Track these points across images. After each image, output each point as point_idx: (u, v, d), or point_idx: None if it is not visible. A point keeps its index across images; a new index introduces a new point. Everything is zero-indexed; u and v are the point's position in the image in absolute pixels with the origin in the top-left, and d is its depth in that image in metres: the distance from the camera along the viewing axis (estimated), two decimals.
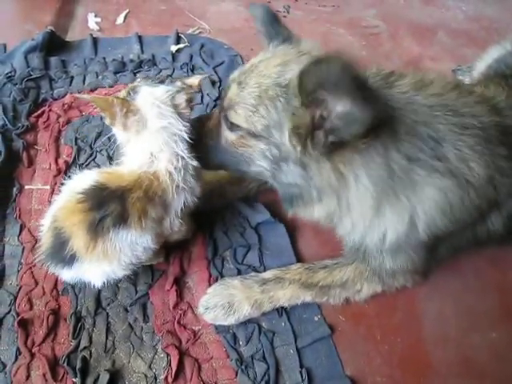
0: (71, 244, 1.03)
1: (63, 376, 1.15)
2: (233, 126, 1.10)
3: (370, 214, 1.11)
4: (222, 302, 1.24)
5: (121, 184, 1.06)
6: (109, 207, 1.03)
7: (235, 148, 1.13)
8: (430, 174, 1.04)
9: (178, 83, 1.15)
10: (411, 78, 1.07)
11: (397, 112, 1.01)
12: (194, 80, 1.19)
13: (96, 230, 1.03)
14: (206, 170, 1.26)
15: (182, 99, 1.13)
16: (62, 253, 1.05)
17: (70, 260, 1.05)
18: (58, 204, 1.09)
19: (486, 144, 1.07)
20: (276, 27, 1.21)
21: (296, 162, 1.05)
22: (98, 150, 1.64)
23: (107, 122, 1.10)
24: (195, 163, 1.15)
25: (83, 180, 1.08)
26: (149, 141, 1.10)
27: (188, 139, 1.12)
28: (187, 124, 1.13)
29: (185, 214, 1.21)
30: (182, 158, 1.12)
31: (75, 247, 1.04)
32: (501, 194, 1.14)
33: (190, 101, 1.15)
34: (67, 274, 1.13)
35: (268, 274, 1.31)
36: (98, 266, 1.09)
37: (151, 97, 1.09)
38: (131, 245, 1.09)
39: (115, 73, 1.92)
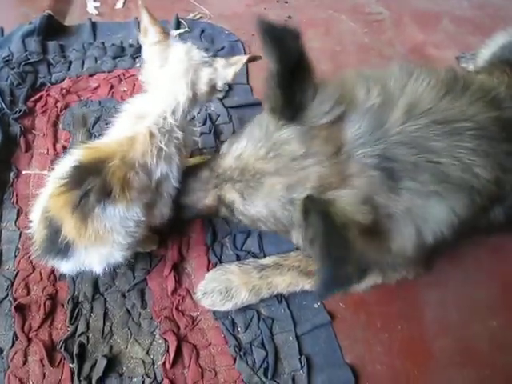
0: (64, 230, 1.00)
1: (60, 361, 1.14)
2: (236, 220, 1.12)
3: None
4: (219, 287, 1.24)
5: (96, 156, 1.01)
6: (88, 182, 0.98)
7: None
8: (431, 200, 1.01)
9: (220, 62, 1.13)
10: (400, 107, 0.99)
11: (394, 159, 0.97)
12: (241, 57, 1.15)
13: (81, 209, 0.98)
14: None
15: (206, 74, 1.10)
16: (57, 242, 1.02)
17: (66, 249, 1.03)
18: (45, 196, 1.06)
19: (488, 142, 1.02)
20: (294, 88, 0.98)
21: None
22: (96, 135, 1.61)
23: (141, 37, 1.14)
24: (180, 135, 1.11)
25: (65, 164, 1.05)
26: (151, 91, 1.12)
27: (183, 112, 1.10)
28: (190, 99, 1.10)
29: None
30: (170, 123, 1.08)
31: (68, 233, 1.00)
32: (504, 189, 1.10)
33: (213, 85, 1.13)
34: (66, 265, 1.10)
35: (267, 260, 1.30)
36: (93, 251, 1.06)
37: (186, 49, 1.11)
38: (121, 221, 1.04)
39: (114, 58, 1.89)
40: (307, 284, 1.27)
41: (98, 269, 1.13)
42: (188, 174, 1.19)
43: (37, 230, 1.07)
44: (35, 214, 1.09)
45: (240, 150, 1.06)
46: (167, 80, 1.09)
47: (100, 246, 1.05)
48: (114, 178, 0.99)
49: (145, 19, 1.12)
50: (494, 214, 1.18)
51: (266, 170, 1.01)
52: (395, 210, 1.00)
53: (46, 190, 1.08)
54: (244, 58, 1.14)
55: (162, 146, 1.07)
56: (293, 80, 0.98)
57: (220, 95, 1.29)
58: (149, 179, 1.07)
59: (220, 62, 1.13)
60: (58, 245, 1.02)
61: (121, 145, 1.04)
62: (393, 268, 1.28)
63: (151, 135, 1.05)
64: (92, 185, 0.98)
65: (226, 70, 1.12)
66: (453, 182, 1.00)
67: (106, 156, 1.01)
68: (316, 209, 0.90)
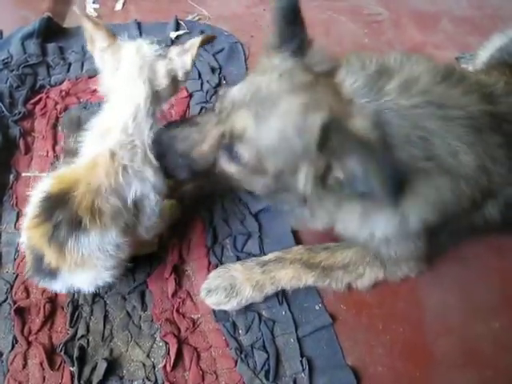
0: (46, 258, 0.99)
1: (60, 364, 1.14)
2: (236, 158, 1.04)
3: (358, 221, 1.13)
4: (223, 284, 1.23)
5: (61, 187, 0.98)
6: (56, 215, 0.96)
7: (233, 177, 1.10)
8: (419, 177, 1.03)
9: (174, 51, 1.09)
10: (397, 79, 1.02)
11: (386, 127, 0.98)
12: (195, 41, 1.10)
13: (56, 240, 0.97)
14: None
15: (162, 67, 1.06)
16: (42, 268, 1.01)
17: (52, 273, 1.02)
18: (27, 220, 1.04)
19: (476, 133, 1.05)
20: (294, 27, 1.07)
21: (299, 195, 1.05)
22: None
23: (88, 46, 1.09)
24: (140, 141, 1.04)
25: (38, 192, 1.02)
26: (110, 100, 1.07)
27: (148, 113, 1.05)
28: (151, 98, 1.05)
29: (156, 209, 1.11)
30: (131, 134, 1.02)
31: (49, 261, 0.99)
32: (495, 182, 1.12)
33: (173, 76, 1.08)
34: (56, 286, 1.10)
35: (269, 256, 1.30)
36: (79, 275, 1.04)
37: (136, 47, 1.06)
38: (99, 247, 1.01)
39: None
40: (310, 277, 1.26)
41: (89, 289, 1.12)
42: (184, 122, 1.14)
43: (26, 253, 1.06)
44: (24, 236, 1.06)
45: (249, 79, 1.05)
46: (123, 84, 1.05)
47: (84, 271, 1.03)
48: (80, 207, 0.96)
49: (88, 27, 1.06)
50: (489, 211, 1.19)
51: (281, 89, 0.99)
52: None
53: (28, 213, 1.04)
54: (197, 41, 1.10)
55: (126, 162, 1.01)
56: (295, 22, 1.06)
57: (184, 84, 1.25)
58: (122, 201, 1.02)
59: (174, 51, 1.09)
60: (43, 269, 1.02)
61: (84, 169, 1.00)
62: (394, 263, 1.28)
63: (112, 154, 1.00)
64: (60, 217, 0.96)
65: (183, 58, 1.08)
66: (441, 164, 1.02)
67: (70, 185, 0.97)
68: (338, 126, 0.92)
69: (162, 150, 1.07)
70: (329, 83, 1.02)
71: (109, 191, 0.99)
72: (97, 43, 1.07)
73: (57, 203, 0.97)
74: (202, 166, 1.10)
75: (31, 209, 1.02)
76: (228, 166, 1.07)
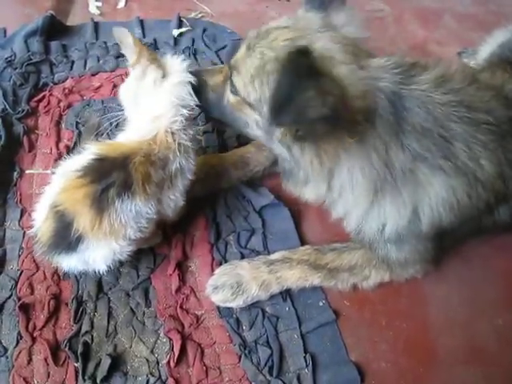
0: (76, 224, 1.01)
1: (65, 360, 1.14)
2: (234, 89, 1.11)
3: (365, 205, 1.12)
4: (230, 281, 1.23)
5: (122, 151, 1.06)
6: (111, 176, 1.02)
7: (234, 110, 1.15)
8: (436, 173, 1.04)
9: None
10: (433, 73, 1.04)
11: (408, 112, 0.99)
12: None
13: (100, 203, 1.01)
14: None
15: None
16: (66, 237, 1.03)
17: (75, 243, 1.03)
18: (52, 192, 1.07)
19: (499, 140, 1.06)
20: None
21: (280, 141, 1.07)
22: (99, 134, 1.61)
23: (131, 61, 1.17)
24: (192, 130, 1.19)
25: (79, 159, 1.07)
26: (160, 97, 1.14)
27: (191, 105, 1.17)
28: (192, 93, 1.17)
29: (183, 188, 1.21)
30: (185, 119, 1.15)
31: (81, 226, 1.01)
32: (510, 187, 1.13)
33: None
34: (70, 261, 1.11)
35: (276, 255, 1.30)
36: (104, 245, 1.07)
37: (179, 61, 1.19)
38: (136, 216, 1.08)
39: (116, 57, 1.88)
40: (316, 278, 1.26)
41: (101, 267, 1.13)
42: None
43: (43, 226, 1.06)
44: (40, 212, 1.09)
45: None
46: (172, 89, 1.15)
47: (111, 240, 1.07)
48: (137, 172, 1.04)
49: (137, 43, 1.16)
50: (499, 213, 1.20)
51: (278, 25, 1.05)
52: (398, 166, 1.02)
53: (52, 187, 1.09)
54: None
55: (182, 141, 1.13)
56: None
57: None
58: (164, 173, 1.12)
59: None
60: (67, 239, 1.03)
61: (142, 143, 1.09)
62: (401, 265, 1.27)
63: (172, 133, 1.12)
64: (115, 178, 1.02)
65: None
66: (459, 166, 1.03)
67: (130, 152, 1.05)
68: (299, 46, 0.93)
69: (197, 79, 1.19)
70: (349, 46, 1.01)
71: (160, 166, 1.10)
72: (144, 57, 1.16)
73: (114, 165, 1.04)
74: (214, 94, 1.21)
75: (67, 173, 1.06)
76: (230, 97, 1.15)
